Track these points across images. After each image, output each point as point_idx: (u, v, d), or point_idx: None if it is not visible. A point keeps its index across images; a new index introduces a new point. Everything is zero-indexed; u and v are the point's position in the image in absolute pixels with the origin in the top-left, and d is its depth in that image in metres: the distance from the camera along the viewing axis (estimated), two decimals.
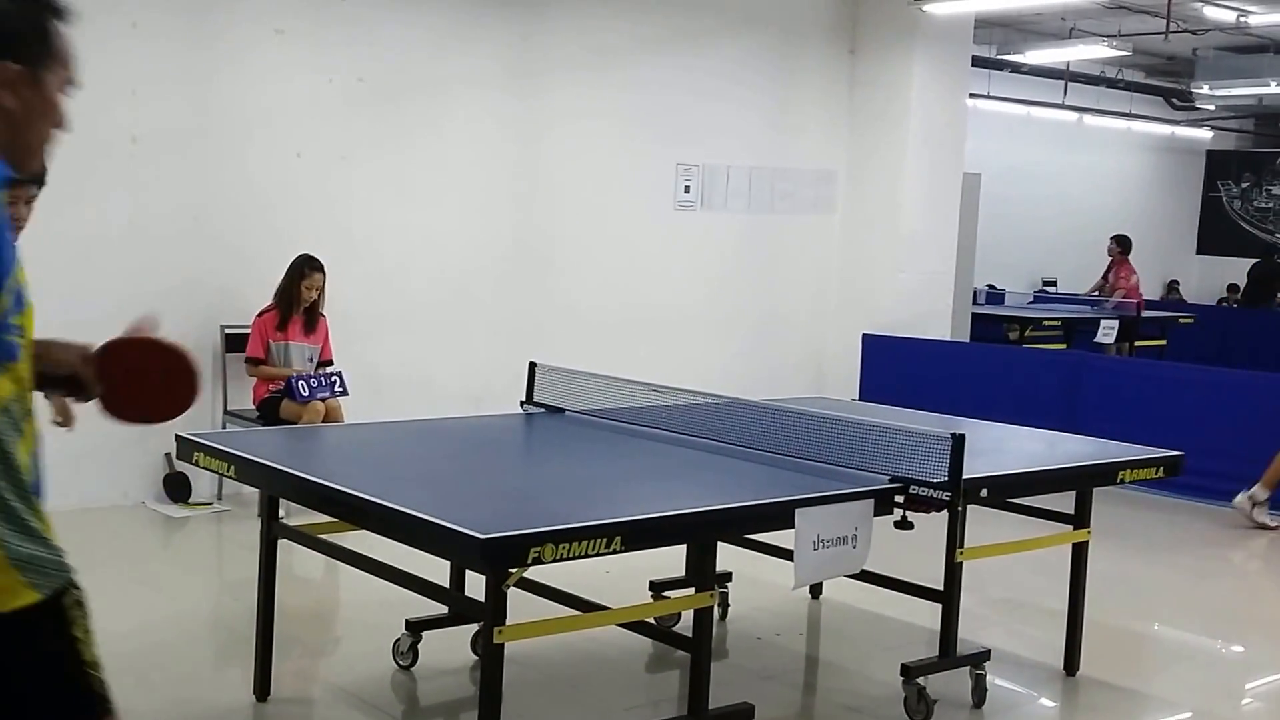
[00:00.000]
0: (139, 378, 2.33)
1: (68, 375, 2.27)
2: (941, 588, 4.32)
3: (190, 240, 6.95)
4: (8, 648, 1.80)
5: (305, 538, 4.14)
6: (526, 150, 8.31)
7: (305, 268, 6.84)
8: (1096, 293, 13.93)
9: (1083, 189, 16.84)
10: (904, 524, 3.90)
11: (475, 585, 3.51)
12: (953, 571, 4.29)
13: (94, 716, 1.94)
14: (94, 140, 6.62)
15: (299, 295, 6.85)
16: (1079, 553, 4.74)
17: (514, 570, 3.11)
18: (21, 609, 1.80)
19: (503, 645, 3.17)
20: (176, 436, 4.16)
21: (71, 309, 6.55)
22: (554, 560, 2.95)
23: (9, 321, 1.88)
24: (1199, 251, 19.37)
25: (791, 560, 3.55)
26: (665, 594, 4.85)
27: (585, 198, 8.58)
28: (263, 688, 4.14)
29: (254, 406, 6.90)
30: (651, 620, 4.26)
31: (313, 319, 6.94)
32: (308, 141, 7.35)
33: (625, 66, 8.72)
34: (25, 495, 1.87)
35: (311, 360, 6.93)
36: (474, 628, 4.33)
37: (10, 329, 1.90)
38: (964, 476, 3.77)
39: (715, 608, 4.61)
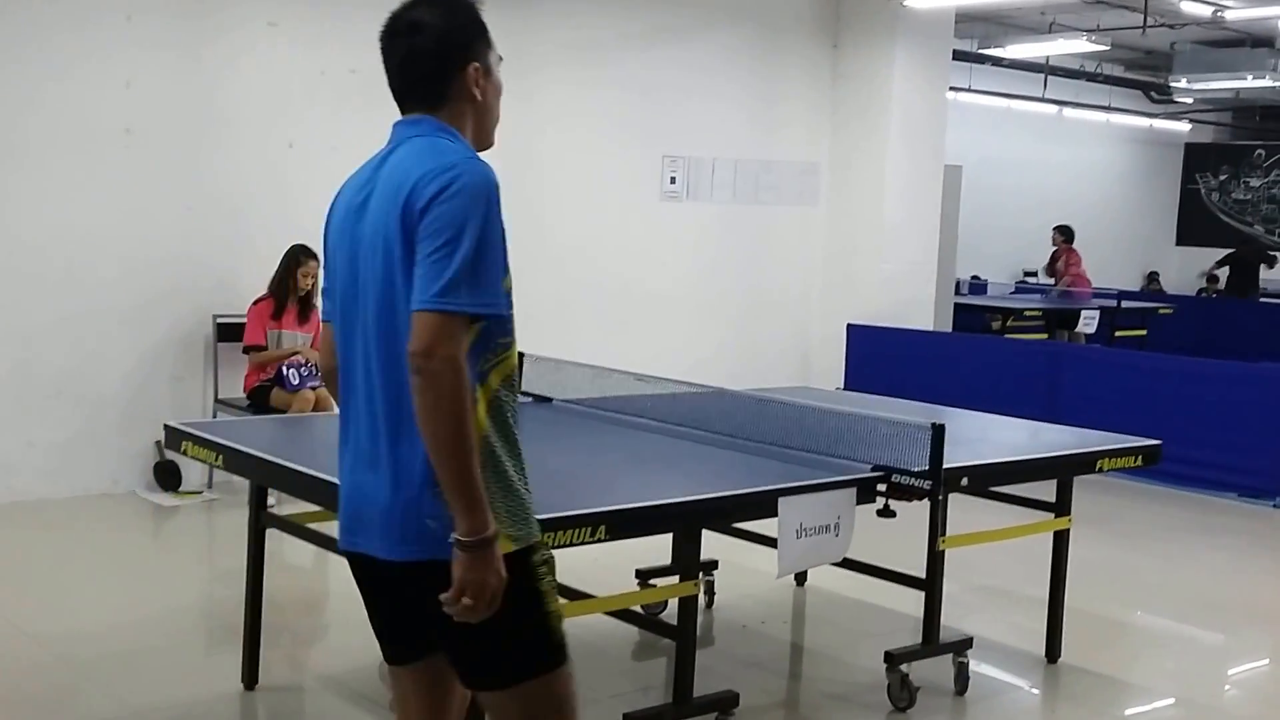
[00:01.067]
0: None
1: None
2: (924, 576, 4.30)
3: (183, 230, 6.90)
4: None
5: (294, 527, 4.10)
6: (514, 142, 8.18)
7: (300, 256, 6.80)
8: (1052, 280, 14.16)
9: (1063, 181, 16.85)
10: (886, 512, 3.89)
11: None
12: (935, 559, 4.26)
13: (555, 660, 2.24)
14: (88, 131, 6.58)
15: (294, 284, 6.80)
16: (1060, 540, 4.73)
17: None
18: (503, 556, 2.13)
19: None
20: (166, 426, 4.11)
21: (65, 298, 6.54)
22: None
23: (507, 314, 2.20)
24: (1178, 243, 19.40)
25: (776, 548, 3.53)
26: (651, 582, 4.83)
27: (573, 189, 8.54)
28: (251, 676, 4.10)
29: (245, 395, 6.85)
30: (637, 608, 4.23)
31: (307, 309, 6.89)
32: (300, 133, 7.30)
33: (612, 61, 8.68)
34: (520, 466, 2.27)
35: (305, 346, 6.88)
36: None
37: (509, 320, 2.22)
38: (945, 465, 3.75)
39: (700, 596, 4.59)
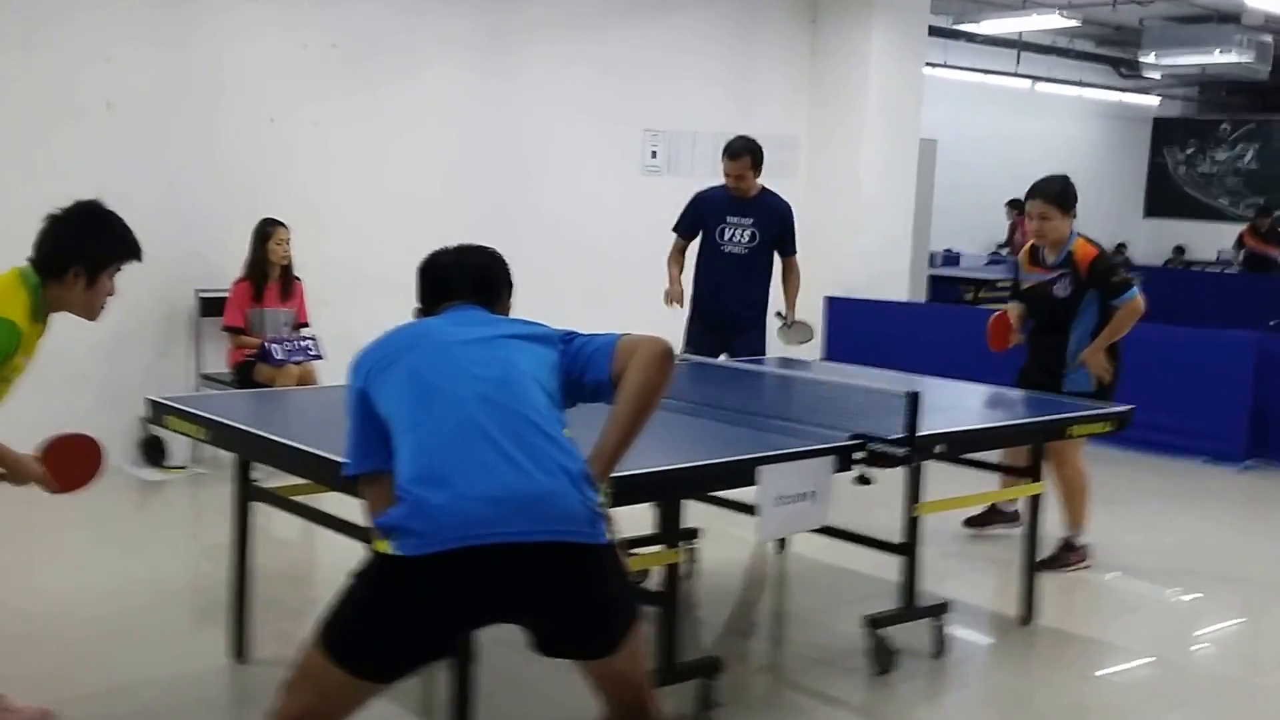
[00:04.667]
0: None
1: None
2: (902, 541, 4.29)
3: (164, 205, 6.80)
4: (614, 561, 2.54)
5: (278, 500, 4.05)
6: (498, 116, 8.19)
7: (267, 227, 6.73)
8: (1007, 251, 14.23)
9: (1035, 155, 16.80)
10: (864, 480, 3.86)
11: None
12: (912, 525, 4.26)
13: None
14: (68, 106, 6.48)
15: (267, 256, 6.72)
16: (1033, 505, 4.72)
17: None
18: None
19: None
20: (149, 400, 4.05)
21: None
22: None
23: None
24: (1146, 215, 19.46)
25: (756, 517, 3.50)
26: (634, 551, 4.79)
27: (555, 163, 8.49)
28: (239, 649, 4.07)
29: (230, 370, 6.79)
30: None
31: (288, 284, 6.82)
32: (281, 107, 7.21)
33: (595, 35, 8.61)
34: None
35: (287, 325, 6.82)
36: None
37: None
38: (920, 433, 3.72)
39: (683, 564, 4.57)
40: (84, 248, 3.20)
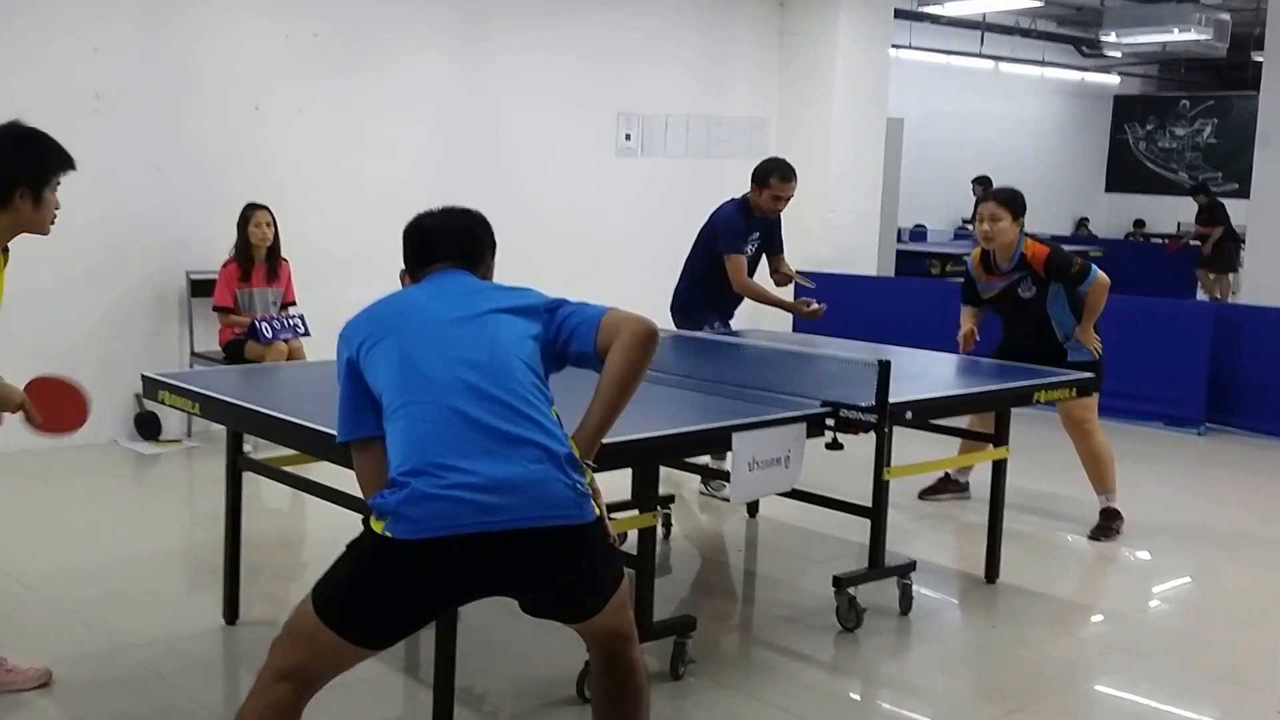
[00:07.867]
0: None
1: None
2: (870, 504, 4.34)
3: (155, 192, 6.80)
4: (599, 534, 2.58)
5: (269, 470, 4.08)
6: (476, 101, 8.18)
7: (247, 211, 6.74)
8: (972, 227, 14.25)
9: (999, 133, 16.90)
10: (835, 445, 3.91)
11: None
12: (880, 489, 4.30)
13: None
14: (59, 97, 6.44)
15: (250, 239, 6.72)
16: (998, 469, 4.77)
17: None
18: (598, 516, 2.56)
19: None
20: (143, 376, 4.07)
21: (42, 262, 6.39)
22: None
23: None
24: (1108, 190, 19.54)
25: (729, 481, 3.54)
26: (612, 515, 4.83)
27: (534, 146, 8.48)
28: (232, 612, 4.10)
29: (220, 348, 6.79)
30: None
31: (275, 265, 6.82)
32: (265, 95, 7.19)
33: (570, 20, 8.59)
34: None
35: (275, 304, 6.82)
36: None
37: None
38: (890, 400, 3.77)
39: (659, 527, 4.62)
40: (23, 168, 3.20)
